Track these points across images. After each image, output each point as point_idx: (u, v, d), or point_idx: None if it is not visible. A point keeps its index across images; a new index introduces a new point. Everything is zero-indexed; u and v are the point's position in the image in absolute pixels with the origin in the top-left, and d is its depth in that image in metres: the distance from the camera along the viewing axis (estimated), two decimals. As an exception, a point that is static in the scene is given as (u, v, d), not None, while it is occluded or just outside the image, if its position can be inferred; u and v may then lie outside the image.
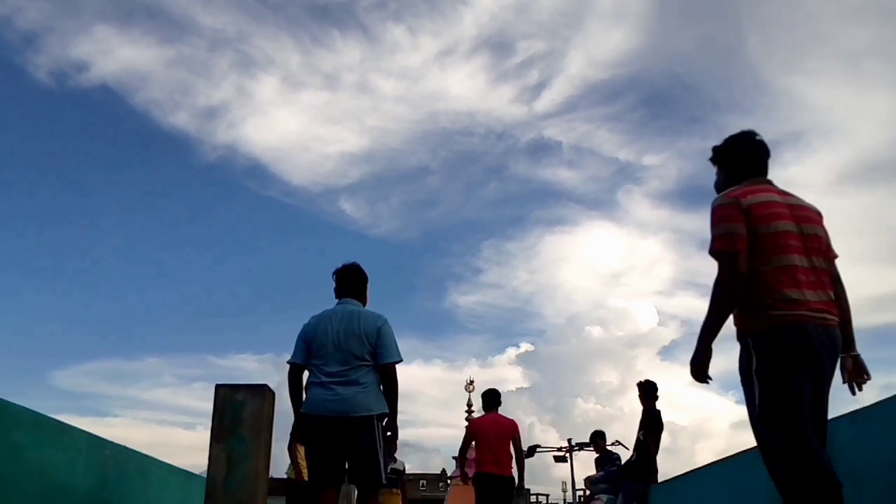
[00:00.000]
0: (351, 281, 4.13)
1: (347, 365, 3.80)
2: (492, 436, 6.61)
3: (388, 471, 3.95)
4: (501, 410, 6.89)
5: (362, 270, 4.19)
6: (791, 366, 2.43)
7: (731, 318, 2.65)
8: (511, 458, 6.67)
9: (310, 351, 3.91)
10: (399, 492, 8.12)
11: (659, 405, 7.01)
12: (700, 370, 2.55)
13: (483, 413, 6.97)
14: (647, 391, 7.01)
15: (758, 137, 2.83)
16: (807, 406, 2.43)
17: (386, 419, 3.89)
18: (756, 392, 2.47)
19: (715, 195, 2.79)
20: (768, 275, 2.50)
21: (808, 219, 2.66)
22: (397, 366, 3.89)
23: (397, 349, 3.92)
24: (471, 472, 6.97)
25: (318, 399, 3.79)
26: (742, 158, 2.82)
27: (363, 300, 4.15)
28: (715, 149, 2.92)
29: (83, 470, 3.44)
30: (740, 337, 2.60)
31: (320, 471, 3.82)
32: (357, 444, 3.75)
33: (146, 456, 4.37)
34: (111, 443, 3.80)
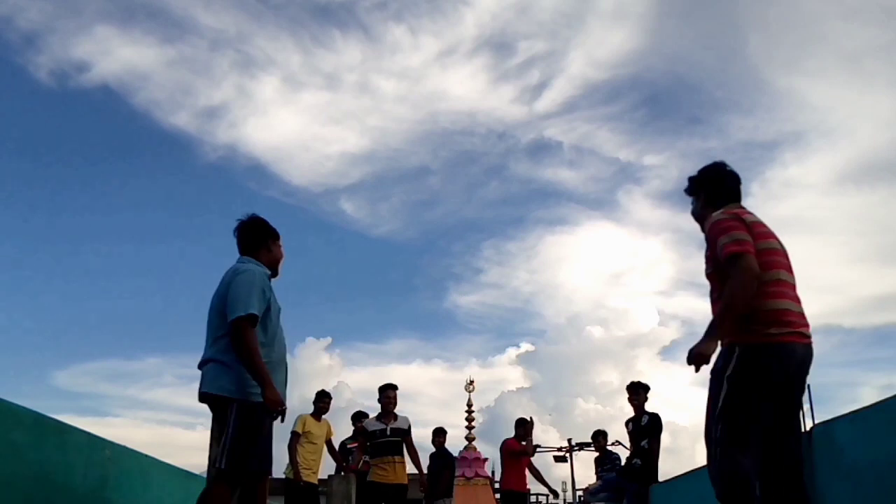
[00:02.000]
0: (243, 235, 3.44)
1: (212, 336, 3.24)
2: (503, 458, 8.39)
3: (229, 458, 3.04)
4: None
5: (258, 222, 3.47)
6: (762, 387, 2.60)
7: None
8: (512, 473, 8.23)
9: None
10: (401, 460, 6.44)
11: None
12: (701, 360, 2.62)
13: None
14: (643, 391, 6.93)
15: (729, 167, 3.04)
16: (760, 428, 2.61)
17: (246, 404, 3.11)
18: (721, 394, 2.64)
19: (695, 224, 3.06)
20: (763, 288, 2.63)
21: (780, 240, 2.86)
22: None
23: (245, 301, 3.10)
24: (470, 473, 8.87)
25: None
26: (719, 185, 3.00)
27: (264, 258, 3.42)
28: (692, 178, 3.08)
29: (83, 470, 3.45)
30: (728, 342, 2.71)
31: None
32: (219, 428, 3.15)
33: (146, 456, 4.37)
34: (111, 443, 3.80)
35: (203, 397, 3.25)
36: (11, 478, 2.76)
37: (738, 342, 2.66)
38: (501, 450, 8.40)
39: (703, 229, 2.95)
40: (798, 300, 2.76)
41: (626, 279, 64.98)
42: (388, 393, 6.59)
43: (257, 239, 3.43)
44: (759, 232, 2.75)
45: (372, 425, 6.57)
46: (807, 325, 2.72)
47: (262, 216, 3.49)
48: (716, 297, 2.80)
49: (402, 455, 6.48)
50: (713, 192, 2.99)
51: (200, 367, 3.31)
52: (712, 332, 2.64)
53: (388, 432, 6.45)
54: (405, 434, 6.56)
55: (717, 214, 2.82)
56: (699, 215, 3.03)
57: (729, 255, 2.65)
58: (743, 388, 2.61)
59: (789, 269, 2.79)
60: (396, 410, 6.60)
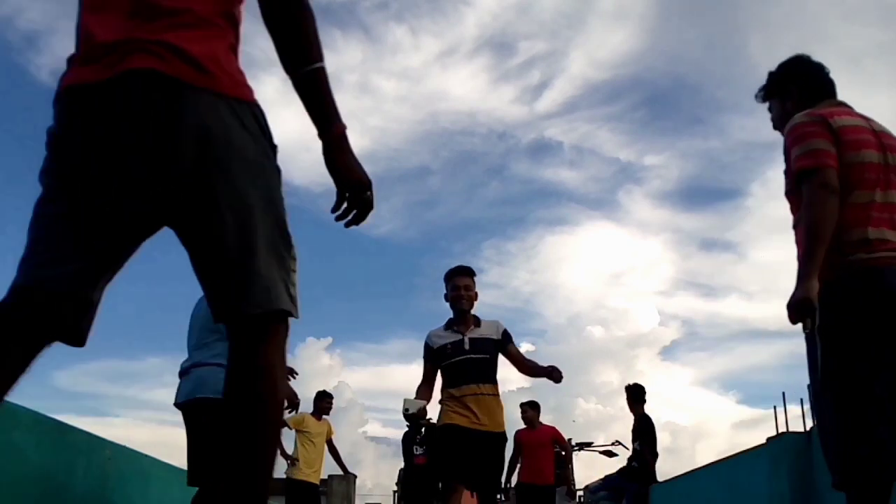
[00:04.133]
0: None
1: (199, 342, 3.35)
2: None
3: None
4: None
5: None
6: (865, 327, 2.01)
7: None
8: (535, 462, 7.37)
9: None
10: (492, 391, 3.94)
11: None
12: (801, 310, 2.05)
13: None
14: (636, 395, 6.93)
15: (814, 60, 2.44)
16: (880, 386, 1.99)
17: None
18: (818, 354, 2.07)
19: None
20: (844, 214, 2.11)
21: (894, 148, 2.22)
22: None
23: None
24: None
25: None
26: (815, 77, 2.38)
27: None
28: (775, 74, 2.46)
29: (83, 470, 3.45)
30: None
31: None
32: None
33: (146, 456, 4.38)
34: (111, 443, 3.80)
35: (198, 401, 3.17)
36: (11, 478, 2.76)
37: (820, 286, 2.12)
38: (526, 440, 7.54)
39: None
40: None
41: (626, 279, 64.94)
42: (458, 280, 3.97)
43: None
44: (850, 140, 2.16)
45: (439, 338, 3.94)
46: None
47: None
48: (795, 222, 2.31)
49: (494, 383, 3.89)
50: (808, 86, 2.37)
51: (186, 372, 3.31)
52: (804, 272, 2.05)
53: (468, 346, 3.86)
54: (499, 346, 3.95)
55: (798, 116, 2.25)
56: (776, 121, 2.44)
57: (800, 170, 2.13)
58: (842, 338, 2.03)
59: (886, 186, 2.16)
60: (479, 313, 4.02)
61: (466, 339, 3.86)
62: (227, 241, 1.17)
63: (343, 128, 1.33)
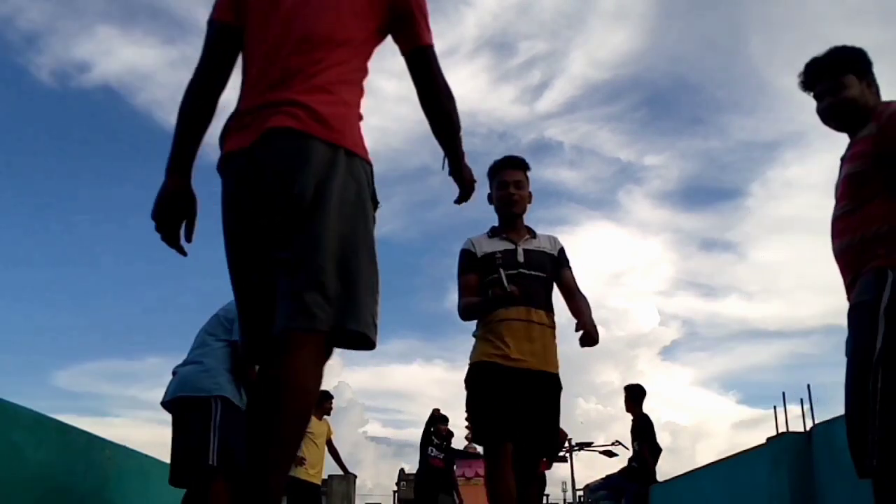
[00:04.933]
0: None
1: (197, 346, 3.35)
2: None
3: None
4: None
5: None
6: None
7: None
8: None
9: None
10: (546, 321, 3.03)
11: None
12: None
13: None
14: (635, 395, 6.94)
15: None
16: None
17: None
18: (880, 334, 2.02)
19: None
20: None
21: None
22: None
23: None
24: (470, 473, 7.27)
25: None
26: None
27: None
28: (855, 53, 2.36)
29: (83, 470, 3.45)
30: (874, 267, 2.12)
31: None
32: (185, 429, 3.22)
33: (146, 456, 4.38)
34: (111, 443, 3.80)
35: (179, 400, 3.21)
36: (11, 478, 2.76)
37: (893, 267, 2.07)
38: None
39: (838, 122, 2.35)
40: None
41: (626, 279, 65.01)
42: (506, 175, 3.06)
43: None
44: None
45: (483, 245, 3.03)
46: None
47: None
48: (847, 210, 2.27)
49: (551, 311, 3.06)
50: (874, 79, 2.35)
51: (175, 372, 3.35)
52: None
53: (522, 258, 2.98)
54: (557, 266, 3.08)
55: None
56: (854, 100, 2.28)
57: None
58: None
59: None
60: (529, 223, 3.14)
61: (520, 250, 2.98)
62: (324, 269, 1.42)
63: (464, 156, 1.89)
